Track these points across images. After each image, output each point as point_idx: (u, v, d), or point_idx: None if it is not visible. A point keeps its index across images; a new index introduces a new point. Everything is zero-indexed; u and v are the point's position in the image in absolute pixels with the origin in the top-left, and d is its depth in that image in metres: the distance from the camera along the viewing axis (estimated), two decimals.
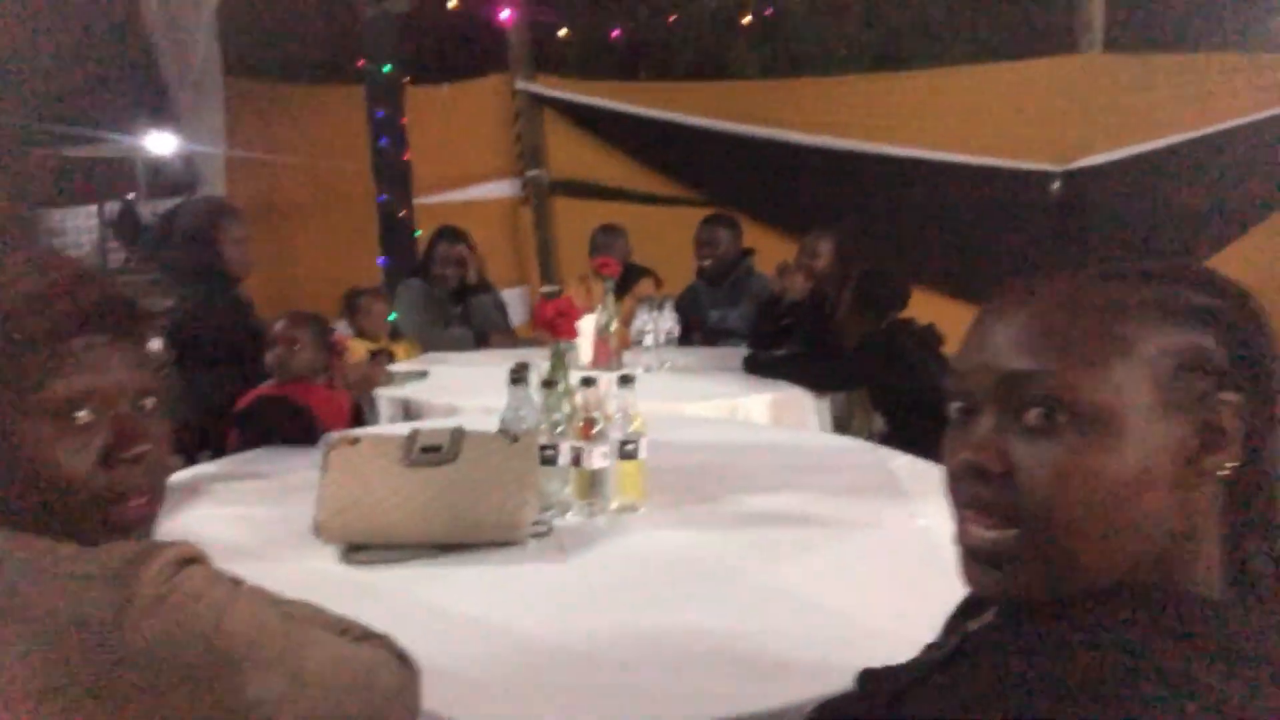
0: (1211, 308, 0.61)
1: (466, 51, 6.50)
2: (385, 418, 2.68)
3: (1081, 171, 6.86)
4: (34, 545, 0.72)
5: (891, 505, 1.68)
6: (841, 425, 2.81)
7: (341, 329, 3.38)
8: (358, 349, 3.24)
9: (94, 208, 10.60)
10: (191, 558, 0.75)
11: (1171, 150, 6.59)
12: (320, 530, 1.41)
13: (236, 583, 0.79)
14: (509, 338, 3.83)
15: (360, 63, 5.06)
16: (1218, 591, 0.60)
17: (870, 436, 2.80)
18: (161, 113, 7.00)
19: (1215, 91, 6.11)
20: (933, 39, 7.68)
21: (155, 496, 0.83)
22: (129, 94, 7.33)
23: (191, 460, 2.18)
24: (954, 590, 1.29)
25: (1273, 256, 6.54)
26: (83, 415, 0.76)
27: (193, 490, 1.77)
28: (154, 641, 0.67)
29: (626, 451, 1.60)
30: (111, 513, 0.78)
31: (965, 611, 0.76)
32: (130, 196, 10.80)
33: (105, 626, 0.66)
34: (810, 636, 1.18)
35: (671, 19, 6.80)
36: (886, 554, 1.47)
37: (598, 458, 1.57)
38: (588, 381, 1.59)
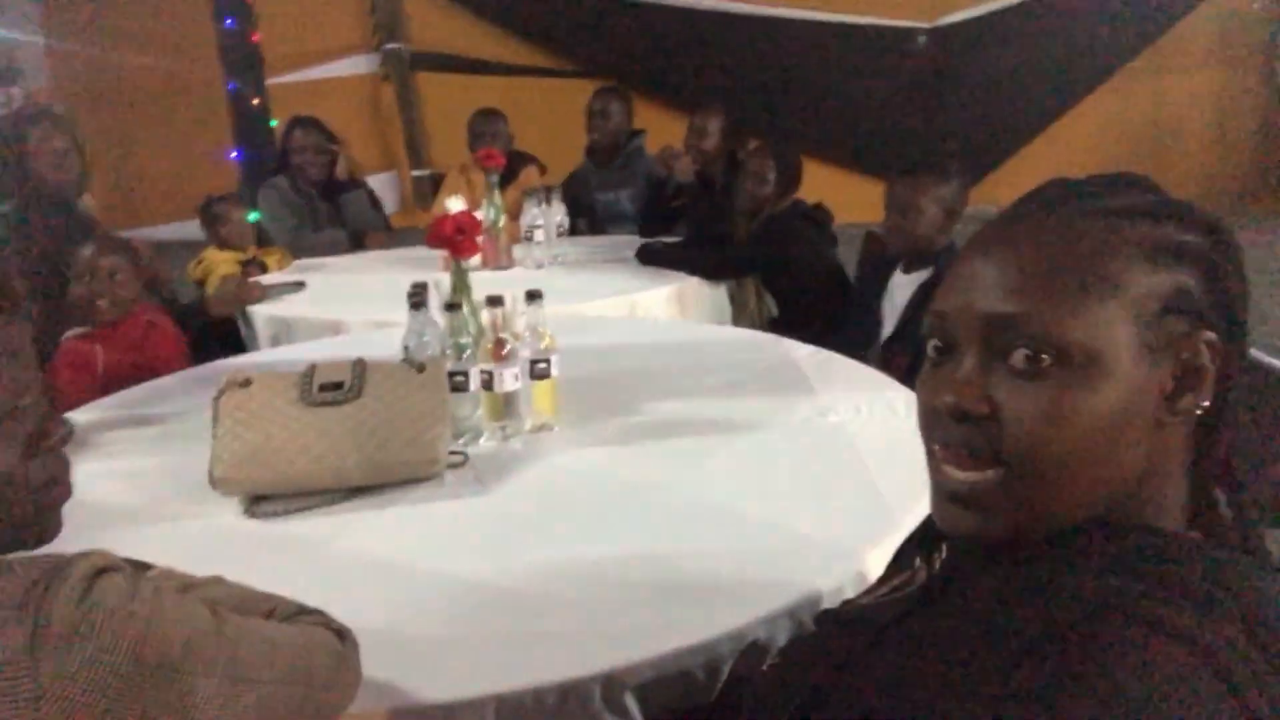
0: (1195, 246, 0.60)
1: None
2: (264, 339, 2.52)
3: (947, 28, 6.91)
4: None
5: (801, 401, 1.69)
6: (739, 312, 2.82)
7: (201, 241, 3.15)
8: (225, 262, 3.02)
9: None
10: (104, 567, 0.68)
11: (1027, 6, 6.70)
12: (219, 484, 1.33)
13: (153, 580, 0.73)
14: (388, 236, 3.64)
15: None
16: (1179, 531, 0.61)
17: (762, 324, 2.82)
18: None
19: None
20: None
21: (69, 481, 0.80)
22: None
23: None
24: (874, 492, 1.33)
25: (1125, 104, 6.82)
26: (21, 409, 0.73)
27: (74, 443, 1.63)
28: (76, 671, 0.61)
29: (539, 371, 1.55)
30: (41, 505, 0.76)
31: (916, 547, 0.77)
32: None
33: (18, 665, 0.60)
34: (742, 552, 1.19)
35: None
36: (804, 455, 1.49)
37: (509, 380, 1.52)
38: (494, 300, 1.52)
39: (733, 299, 2.80)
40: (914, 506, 1.23)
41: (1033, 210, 0.63)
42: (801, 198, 2.82)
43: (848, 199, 3.42)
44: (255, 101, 4.74)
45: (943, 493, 0.64)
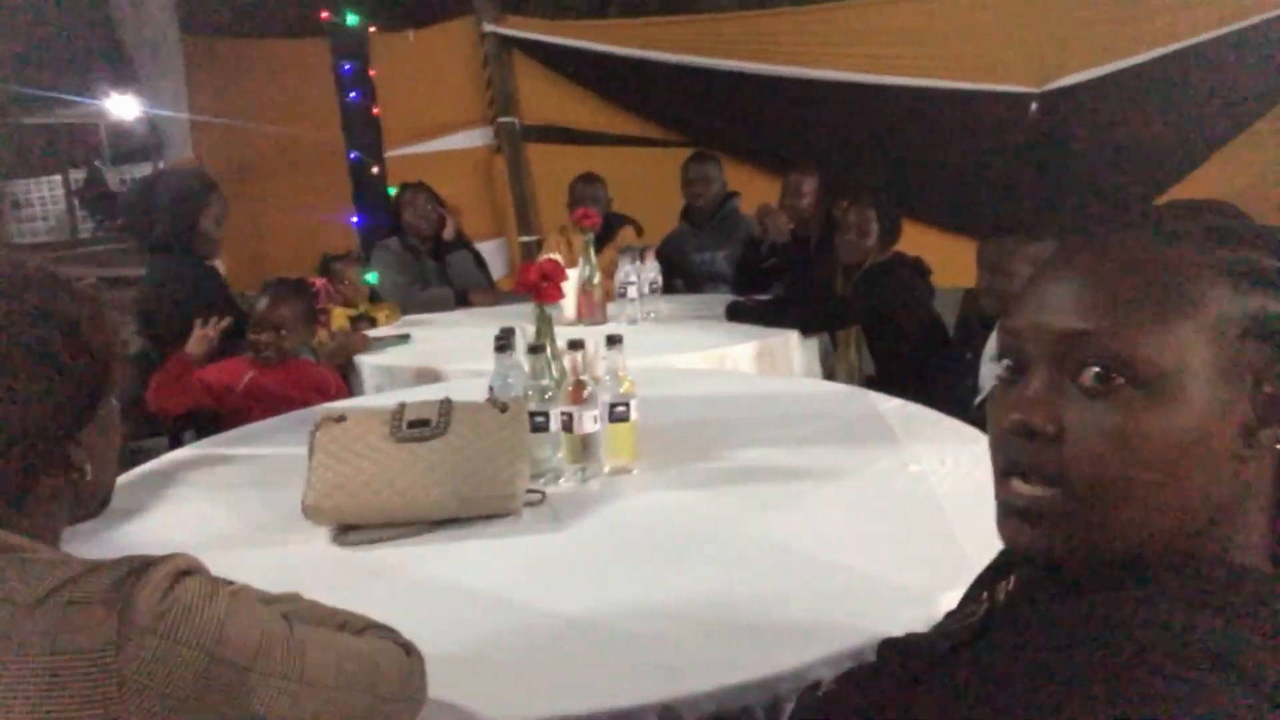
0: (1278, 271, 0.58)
1: None
2: (370, 386, 2.65)
3: (1058, 91, 6.78)
4: (26, 569, 0.70)
5: (885, 452, 1.67)
6: (829, 368, 2.80)
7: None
8: (338, 317, 3.19)
9: (58, 177, 10.36)
10: (186, 570, 0.73)
11: (1150, 65, 6.52)
12: (310, 513, 1.40)
13: (232, 589, 0.78)
14: (491, 294, 3.78)
15: (324, 14, 4.90)
16: (1261, 568, 0.59)
17: (859, 379, 2.79)
18: (122, 76, 6.81)
19: (1193, 4, 6.01)
20: None
21: None
22: (89, 57, 7.11)
23: (177, 441, 2.16)
24: (950, 539, 1.30)
25: (1252, 166, 6.52)
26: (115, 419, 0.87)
27: (172, 476, 1.74)
28: (155, 662, 0.66)
29: (617, 414, 1.58)
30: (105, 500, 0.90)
31: (990, 578, 0.75)
32: (96, 164, 10.56)
33: (104, 653, 0.65)
34: (812, 594, 1.18)
35: None
36: (882, 503, 1.47)
37: (588, 422, 1.56)
38: (575, 344, 1.56)
39: (826, 356, 2.78)
40: (992, 554, 1.19)
41: (1112, 229, 0.62)
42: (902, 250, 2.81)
43: (946, 261, 3.38)
44: (374, 170, 5.02)
45: (1006, 508, 0.63)
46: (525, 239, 6.88)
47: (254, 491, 1.64)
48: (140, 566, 0.70)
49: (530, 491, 1.48)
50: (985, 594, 0.74)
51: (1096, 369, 0.58)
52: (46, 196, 10.38)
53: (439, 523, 1.42)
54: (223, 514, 1.54)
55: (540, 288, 1.61)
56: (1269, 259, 0.58)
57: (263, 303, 2.24)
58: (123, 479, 1.60)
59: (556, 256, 1.86)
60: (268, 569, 1.31)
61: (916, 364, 2.61)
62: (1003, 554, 0.78)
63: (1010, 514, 0.62)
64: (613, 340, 1.60)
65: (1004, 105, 6.83)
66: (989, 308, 2.28)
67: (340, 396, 2.38)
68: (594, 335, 1.63)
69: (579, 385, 1.56)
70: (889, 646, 0.81)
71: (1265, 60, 6.31)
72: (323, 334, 2.61)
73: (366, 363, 2.69)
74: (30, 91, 6.92)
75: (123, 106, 8.93)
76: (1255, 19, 5.56)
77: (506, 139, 6.71)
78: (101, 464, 0.85)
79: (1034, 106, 6.87)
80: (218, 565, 0.90)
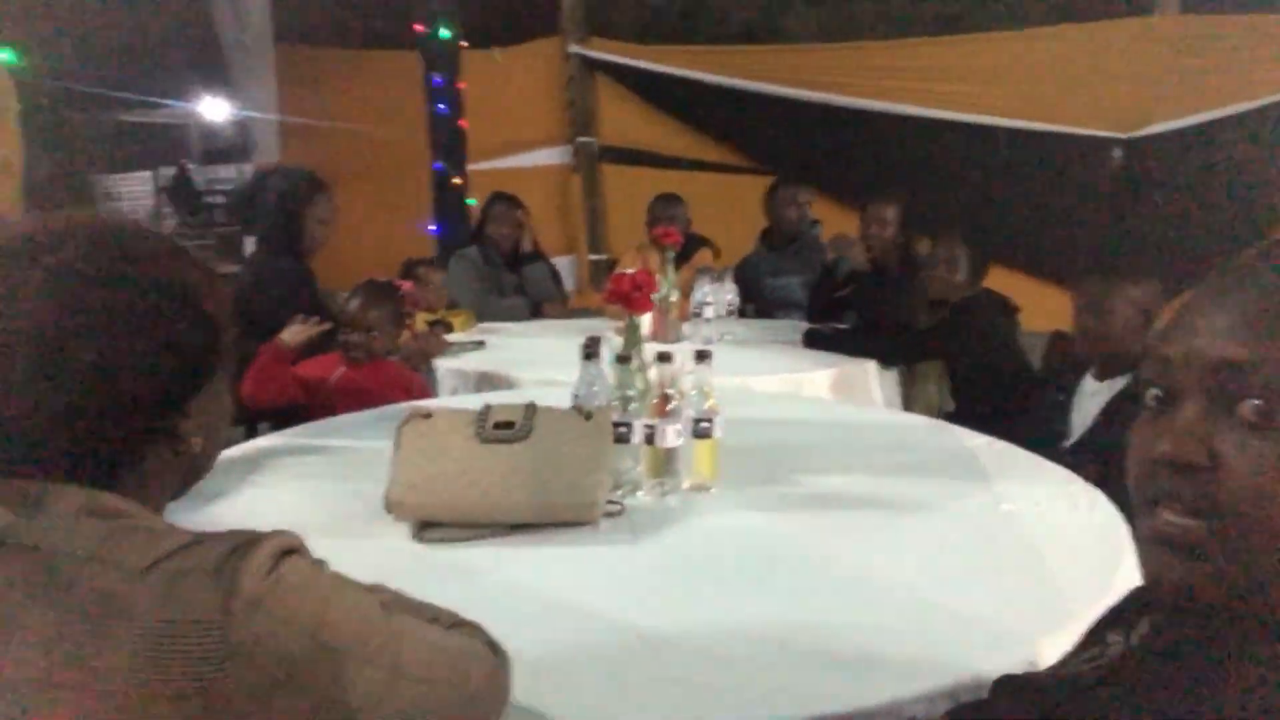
0: None
1: (521, 13, 6.42)
2: (445, 389, 2.67)
3: (1145, 139, 6.62)
4: (134, 536, 0.69)
5: (974, 488, 1.62)
6: (908, 401, 2.74)
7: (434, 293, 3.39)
8: (418, 320, 3.23)
9: (148, 174, 10.73)
10: (292, 548, 0.72)
11: (1239, 117, 6.33)
12: (392, 506, 1.40)
13: (334, 572, 0.77)
14: (563, 308, 3.81)
15: (417, 26, 5.01)
16: None
17: (938, 415, 2.72)
18: (215, 79, 7.04)
19: None
20: (996, 2, 7.39)
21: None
22: (184, 59, 7.37)
23: (253, 430, 2.19)
24: (1048, 582, 1.24)
25: None
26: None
27: (257, 463, 1.76)
28: (259, 637, 0.65)
29: (701, 430, 1.56)
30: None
31: (1114, 619, 0.71)
32: (185, 163, 10.91)
33: (210, 624, 0.64)
34: (902, 629, 1.13)
35: None
36: (972, 541, 1.41)
37: (671, 436, 1.53)
38: (663, 357, 1.54)
39: (905, 388, 2.72)
40: (1096, 600, 1.13)
41: (1272, 252, 0.59)
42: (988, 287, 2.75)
43: (1029, 306, 3.31)
44: (456, 181, 5.09)
45: (1152, 536, 0.59)
46: (595, 257, 6.92)
47: (338, 483, 1.64)
48: (246, 542, 0.70)
49: (610, 502, 1.46)
50: (1112, 637, 0.70)
51: (1257, 401, 0.54)
52: (136, 191, 10.74)
53: (518, 526, 1.40)
54: (306, 503, 1.55)
55: (632, 297, 1.60)
56: None
57: (355, 303, 2.28)
58: None
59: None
60: (349, 560, 1.30)
61: (1002, 403, 2.53)
62: (1129, 598, 0.73)
63: (1157, 546, 0.58)
64: (701, 355, 1.58)
65: (1089, 150, 6.70)
66: (1084, 350, 2.20)
67: (424, 397, 2.40)
68: (681, 349, 1.61)
69: (664, 398, 1.53)
70: (1006, 684, 0.77)
71: None
72: (405, 335, 2.64)
73: (443, 366, 2.71)
74: (123, 95, 7.19)
75: (214, 109, 9.24)
76: None
77: (584, 158, 6.77)
78: (210, 438, 0.84)
79: (1118, 152, 6.73)
80: None
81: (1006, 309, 2.67)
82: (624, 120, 6.72)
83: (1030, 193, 6.77)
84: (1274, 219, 6.38)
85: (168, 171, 10.69)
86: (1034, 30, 6.79)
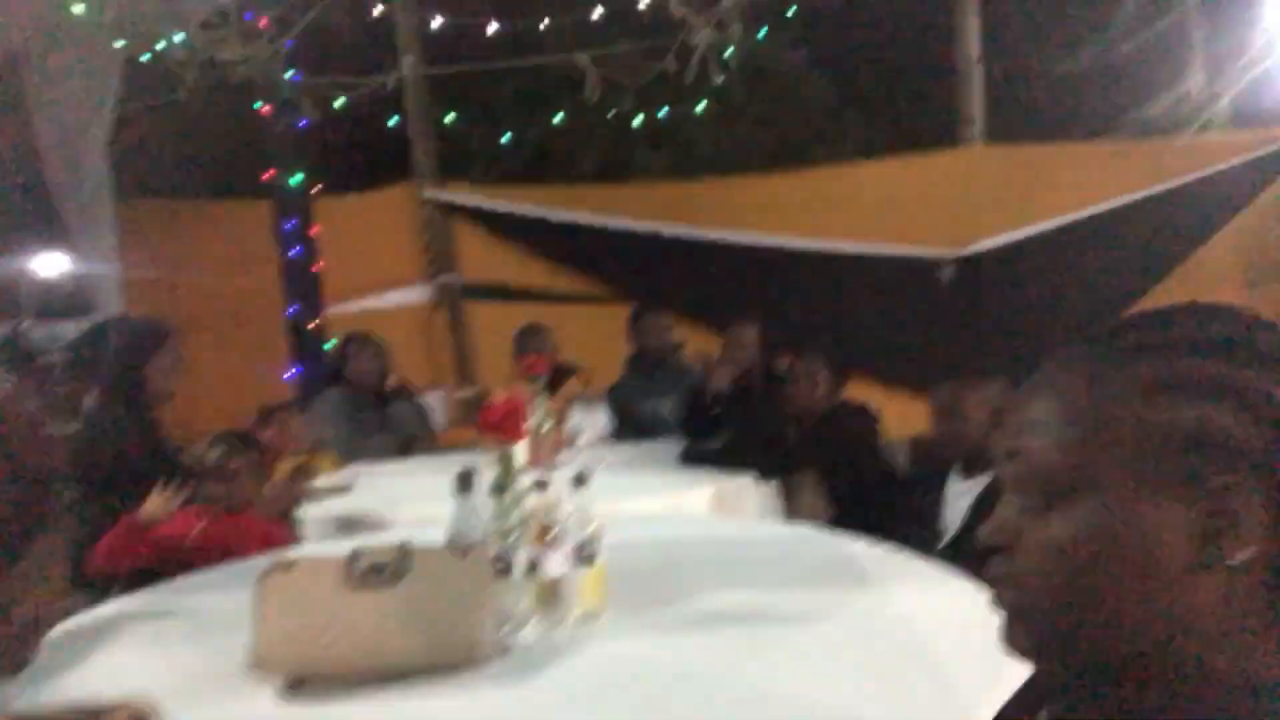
0: (1227, 379, 0.56)
1: (372, 159, 6.49)
2: (313, 537, 2.51)
3: (971, 258, 7.19)
4: None
5: (860, 593, 1.62)
6: (788, 513, 2.77)
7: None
8: (283, 469, 3.06)
9: None
10: (140, 716, 0.64)
11: (1055, 234, 6.99)
12: (259, 664, 1.28)
13: None
14: (433, 444, 3.70)
15: (268, 173, 4.97)
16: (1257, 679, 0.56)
17: (818, 523, 2.76)
18: (51, 233, 6.72)
19: (1091, 177, 6.51)
20: (822, 139, 8.02)
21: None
22: (15, 215, 7.02)
23: (103, 592, 1.99)
24: (944, 682, 1.24)
25: None
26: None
27: (106, 630, 1.59)
28: None
29: (585, 555, 1.51)
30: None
31: (1012, 715, 0.71)
32: (18, 321, 10.26)
33: None
34: None
35: (562, 122, 6.92)
36: (864, 646, 1.41)
37: (555, 564, 1.48)
38: (540, 484, 1.51)
39: (784, 501, 2.76)
40: (991, 694, 1.14)
41: (1069, 353, 0.64)
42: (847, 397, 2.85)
43: (886, 415, 3.45)
44: (313, 325, 4.97)
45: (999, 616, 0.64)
46: (464, 392, 6.82)
47: (197, 644, 1.49)
48: (90, 711, 0.62)
49: (495, 641, 1.39)
50: None
51: (1040, 483, 0.60)
52: None
53: (398, 674, 1.31)
54: (163, 668, 1.39)
55: (504, 425, 1.57)
56: (1214, 366, 0.57)
57: (214, 454, 2.15)
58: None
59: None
60: None
61: (875, 507, 2.59)
62: (1023, 689, 0.74)
63: (1001, 622, 0.63)
64: (579, 479, 1.55)
65: (924, 267, 7.21)
66: (945, 450, 2.30)
67: (286, 546, 2.25)
68: (558, 476, 1.58)
69: (545, 527, 1.49)
70: None
71: (1165, 226, 6.81)
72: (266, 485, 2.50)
73: (309, 513, 2.56)
74: None
75: (49, 263, 8.78)
76: (1159, 187, 6.05)
77: (446, 294, 6.76)
78: (26, 614, 0.71)
79: (948, 270, 7.27)
80: None
81: (867, 416, 2.78)
82: (484, 257, 6.79)
83: (875, 309, 7.19)
84: (1104, 321, 6.95)
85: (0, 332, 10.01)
86: (860, 163, 7.37)
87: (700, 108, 6.21)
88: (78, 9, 3.43)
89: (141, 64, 4.46)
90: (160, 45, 4.10)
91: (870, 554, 1.87)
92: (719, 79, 4.38)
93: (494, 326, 6.41)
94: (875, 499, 2.64)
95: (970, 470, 2.24)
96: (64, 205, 5.89)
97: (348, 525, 2.44)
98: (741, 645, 1.42)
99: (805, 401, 2.84)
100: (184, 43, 3.85)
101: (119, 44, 4.19)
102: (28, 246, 8.06)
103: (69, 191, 5.81)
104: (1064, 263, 6.91)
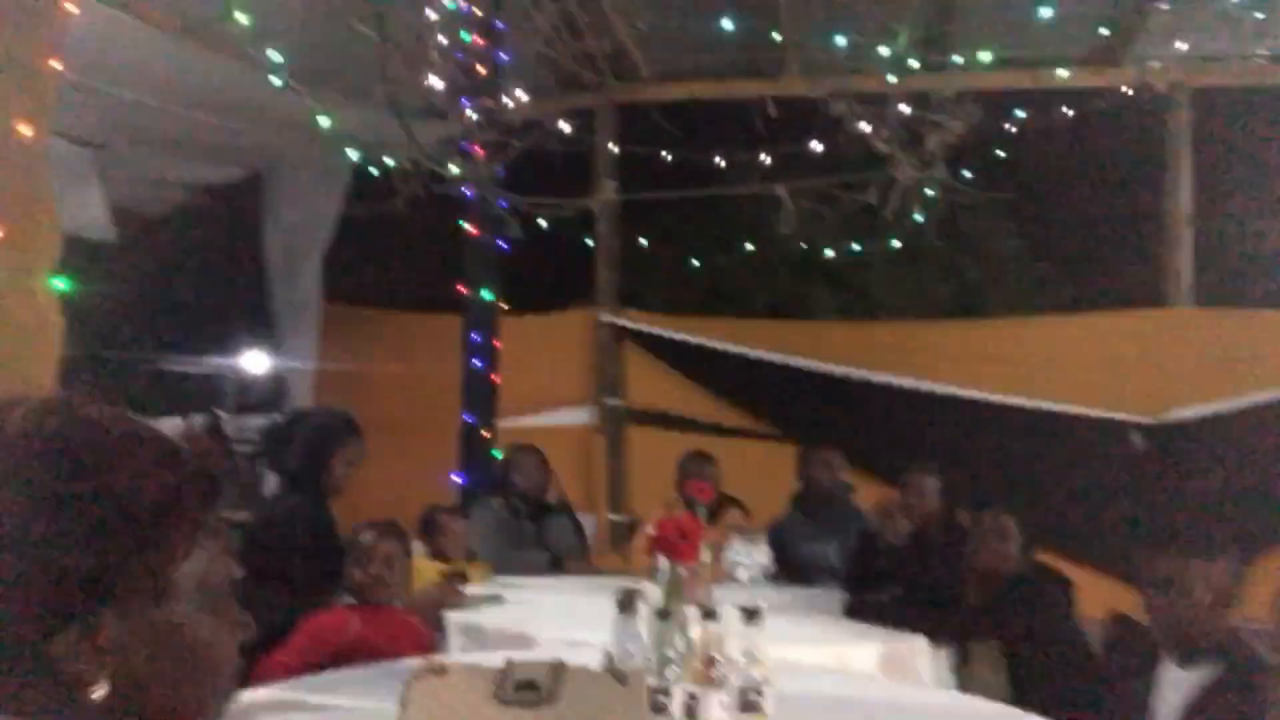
0: None
1: (557, 283, 6.76)
2: (455, 646, 2.46)
3: (1166, 425, 6.59)
4: None
5: None
6: (961, 684, 2.49)
7: (417, 548, 3.23)
8: (427, 569, 3.07)
9: (179, 420, 10.88)
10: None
11: (1260, 409, 6.33)
12: None
13: None
14: (586, 564, 3.63)
15: (461, 288, 5.24)
16: None
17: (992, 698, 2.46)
18: (259, 333, 7.31)
19: None
20: (1006, 290, 7.72)
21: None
22: (233, 318, 7.72)
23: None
24: None
25: None
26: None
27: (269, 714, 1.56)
28: None
29: (749, 702, 1.37)
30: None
31: None
32: (217, 412, 11.11)
33: None
34: None
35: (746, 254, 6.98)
36: None
37: (716, 709, 1.35)
38: (709, 614, 1.39)
39: (958, 670, 2.48)
40: None
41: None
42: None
43: None
44: (485, 434, 5.10)
45: None
46: (615, 517, 6.78)
47: None
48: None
49: None
50: None
51: None
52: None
53: None
54: None
55: (677, 545, 1.47)
56: None
57: (367, 537, 2.15)
58: None
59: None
60: None
61: (1067, 690, 2.28)
62: None
63: None
64: (750, 614, 1.42)
65: (1108, 431, 6.67)
66: (1159, 634, 2.00)
67: (431, 651, 2.20)
68: (727, 607, 1.46)
69: (709, 661, 1.37)
70: None
71: None
72: (420, 585, 2.48)
73: (454, 620, 2.52)
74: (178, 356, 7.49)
75: (254, 361, 9.54)
76: None
77: (610, 418, 6.83)
78: (131, 685, 0.58)
79: (1136, 436, 6.67)
80: None
81: (1063, 584, 2.48)
82: (651, 385, 6.84)
83: (1057, 470, 6.68)
84: None
85: (199, 419, 10.85)
86: (1052, 317, 7.02)
87: (894, 244, 6.12)
88: (324, 121, 3.76)
89: (366, 176, 4.87)
90: (388, 158, 4.45)
91: None
92: (920, 216, 4.31)
93: (652, 454, 6.39)
94: (1069, 682, 2.32)
95: (1189, 659, 1.94)
96: (278, 309, 6.43)
97: (495, 639, 2.38)
98: None
99: (992, 561, 2.57)
100: (411, 154, 4.16)
101: (354, 155, 4.58)
102: (236, 345, 8.81)
103: (285, 297, 6.34)
104: (1267, 440, 6.24)
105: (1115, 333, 6.49)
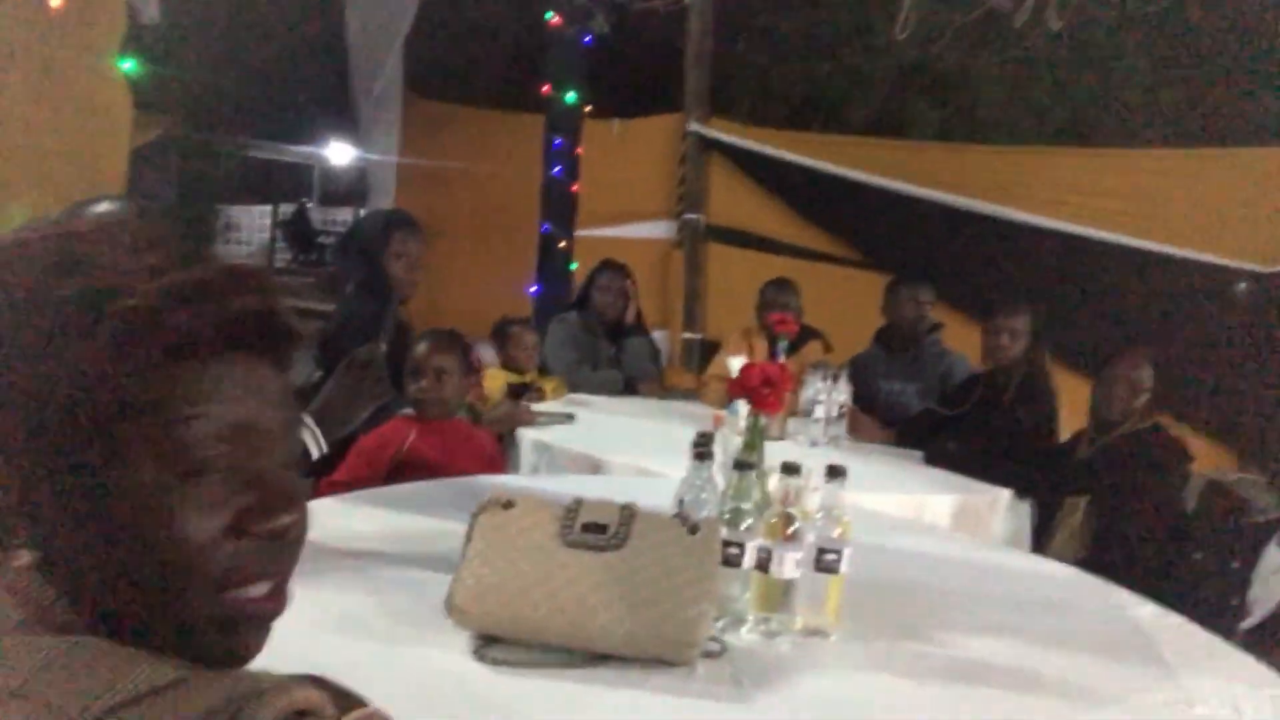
0: None
1: (645, 88, 6.39)
2: (526, 464, 2.47)
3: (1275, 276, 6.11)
4: (85, 665, 0.49)
5: (1152, 677, 1.31)
6: (1040, 541, 2.41)
7: (489, 357, 3.22)
8: (498, 378, 3.06)
9: (268, 208, 11.06)
10: (302, 711, 0.50)
11: None
12: (453, 612, 1.18)
13: None
14: (658, 386, 3.59)
15: (545, 89, 4.99)
16: None
17: (1073, 560, 2.38)
18: (342, 124, 7.19)
19: None
20: (1125, 119, 7.05)
21: (284, 590, 0.59)
22: (314, 103, 7.57)
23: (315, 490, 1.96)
24: None
25: None
26: (220, 465, 0.54)
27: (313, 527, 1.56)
28: None
29: (826, 563, 1.30)
30: (225, 605, 0.54)
31: None
32: (304, 202, 11.23)
33: None
34: None
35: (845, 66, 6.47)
36: None
37: (790, 565, 1.29)
38: (790, 469, 1.31)
39: (1040, 526, 2.40)
40: None
41: None
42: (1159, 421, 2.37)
43: None
44: (561, 245, 5.00)
45: None
46: (688, 335, 6.74)
47: (396, 570, 1.42)
48: (240, 697, 0.48)
49: (709, 639, 1.21)
50: None
51: None
52: (255, 224, 11.07)
53: (597, 657, 1.17)
54: (354, 594, 1.32)
55: (762, 394, 1.37)
56: None
57: (421, 349, 2.08)
58: None
59: (741, 360, 1.63)
60: (396, 675, 1.09)
61: (1151, 559, 2.18)
62: None
63: None
64: (834, 471, 1.33)
65: (1211, 280, 6.22)
66: (1261, 509, 1.87)
67: (497, 467, 2.19)
68: (811, 462, 1.37)
69: (787, 518, 1.29)
70: None
71: None
72: (499, 402, 2.45)
73: (527, 436, 2.51)
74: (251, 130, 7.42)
75: (338, 153, 9.51)
76: None
77: (689, 234, 6.65)
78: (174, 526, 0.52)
79: (1243, 286, 6.22)
80: (340, 657, 0.71)
81: (1180, 450, 2.29)
82: (734, 201, 6.58)
83: (1153, 316, 6.33)
84: None
85: (287, 208, 11.00)
86: (1169, 150, 6.43)
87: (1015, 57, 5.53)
88: None
89: None
90: None
91: (1159, 624, 1.54)
92: (1056, 25, 3.83)
93: (734, 273, 6.23)
94: (1156, 550, 2.22)
95: None
96: (359, 97, 6.27)
97: (565, 459, 2.37)
98: (995, 710, 1.17)
99: (1120, 409, 2.35)
100: None
101: None
102: (320, 134, 8.72)
103: (366, 84, 6.17)
104: None
105: (1232, 171, 5.92)
